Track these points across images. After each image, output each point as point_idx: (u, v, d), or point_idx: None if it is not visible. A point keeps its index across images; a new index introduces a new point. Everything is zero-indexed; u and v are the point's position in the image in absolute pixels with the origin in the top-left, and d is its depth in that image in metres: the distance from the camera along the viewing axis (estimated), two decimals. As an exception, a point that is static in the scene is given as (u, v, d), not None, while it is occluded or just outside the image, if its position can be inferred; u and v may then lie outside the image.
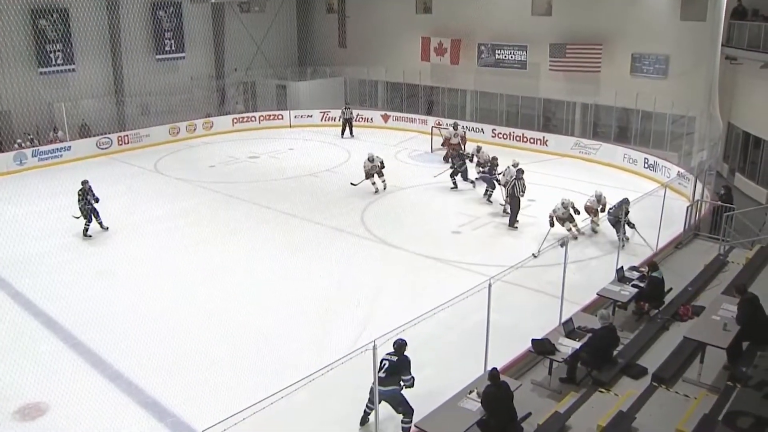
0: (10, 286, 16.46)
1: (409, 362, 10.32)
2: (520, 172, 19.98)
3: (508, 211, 20.53)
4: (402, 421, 10.41)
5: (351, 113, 33.93)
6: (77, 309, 14.84)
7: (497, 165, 22.40)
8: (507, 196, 20.38)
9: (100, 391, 11.91)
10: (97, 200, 19.85)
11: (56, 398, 11.56)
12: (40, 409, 11.40)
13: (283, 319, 14.46)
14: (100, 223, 20.07)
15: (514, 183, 19.77)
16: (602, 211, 18.85)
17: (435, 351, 12.45)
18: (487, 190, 22.39)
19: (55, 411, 11.35)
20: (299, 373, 8.30)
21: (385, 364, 10.24)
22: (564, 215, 18.66)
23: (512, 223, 19.97)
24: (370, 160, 23.76)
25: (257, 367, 12.49)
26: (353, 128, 33.65)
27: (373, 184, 23.95)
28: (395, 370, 10.24)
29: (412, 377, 10.32)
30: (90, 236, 19.78)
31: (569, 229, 18.71)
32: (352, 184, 24.23)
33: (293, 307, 14.99)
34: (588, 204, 19.11)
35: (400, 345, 10.31)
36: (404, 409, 10.39)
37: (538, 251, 15.62)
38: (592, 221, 19.06)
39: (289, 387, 7.93)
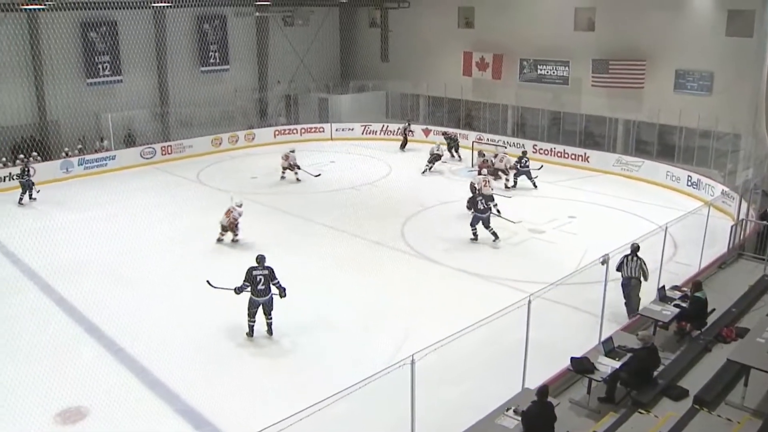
0: (55, 292, 16.82)
1: (273, 270, 13.89)
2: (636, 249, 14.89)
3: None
4: (267, 321, 14.08)
5: (410, 125, 34.64)
6: (119, 316, 15.13)
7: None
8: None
9: (139, 398, 12.15)
10: (33, 173, 25.24)
11: (96, 403, 11.81)
12: (81, 413, 11.64)
13: (323, 332, 14.56)
14: (30, 195, 24.94)
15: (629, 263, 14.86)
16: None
17: (473, 367, 12.42)
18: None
19: (95, 416, 11.58)
20: (337, 386, 8.33)
21: (260, 278, 13.65)
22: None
23: None
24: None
25: (295, 378, 12.58)
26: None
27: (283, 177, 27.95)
28: (269, 280, 13.74)
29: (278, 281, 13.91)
30: (23, 205, 24.59)
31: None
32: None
33: (332, 320, 15.10)
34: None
35: (262, 258, 13.94)
36: (271, 308, 13.95)
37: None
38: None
39: (326, 399, 7.97)
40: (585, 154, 30.10)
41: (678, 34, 27.80)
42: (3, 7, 26.99)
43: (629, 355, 11.10)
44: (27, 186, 24.90)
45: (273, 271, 13.86)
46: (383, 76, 40.70)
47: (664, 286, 13.95)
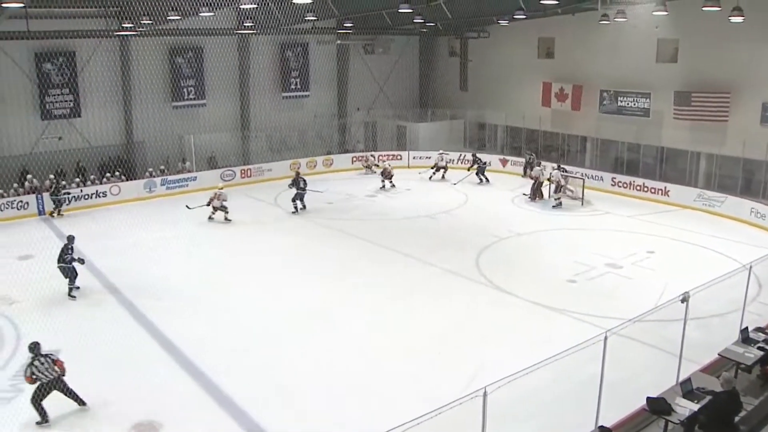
0: (134, 308, 17.43)
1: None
2: None
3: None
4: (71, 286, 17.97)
5: (534, 159, 33.47)
6: (195, 333, 15.58)
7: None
8: None
9: (210, 415, 12.44)
10: (68, 194, 27.25)
11: (169, 418, 12.16)
12: (154, 428, 11.99)
13: (392, 361, 14.60)
14: (58, 210, 26.66)
15: None
16: None
17: (544, 402, 12.25)
18: None
19: (168, 430, 11.92)
20: (407, 414, 8.35)
21: (71, 251, 17.85)
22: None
23: None
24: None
25: (363, 406, 12.66)
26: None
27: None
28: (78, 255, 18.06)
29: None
30: (62, 215, 26.52)
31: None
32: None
33: (403, 349, 15.13)
34: None
35: (71, 238, 18.22)
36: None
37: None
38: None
39: (397, 427, 8.00)
40: (665, 188, 29.45)
41: (765, 65, 27.00)
42: (99, 34, 28.34)
43: (709, 397, 10.79)
44: (59, 202, 26.62)
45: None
46: (462, 105, 40.87)
47: (747, 328, 13.53)
